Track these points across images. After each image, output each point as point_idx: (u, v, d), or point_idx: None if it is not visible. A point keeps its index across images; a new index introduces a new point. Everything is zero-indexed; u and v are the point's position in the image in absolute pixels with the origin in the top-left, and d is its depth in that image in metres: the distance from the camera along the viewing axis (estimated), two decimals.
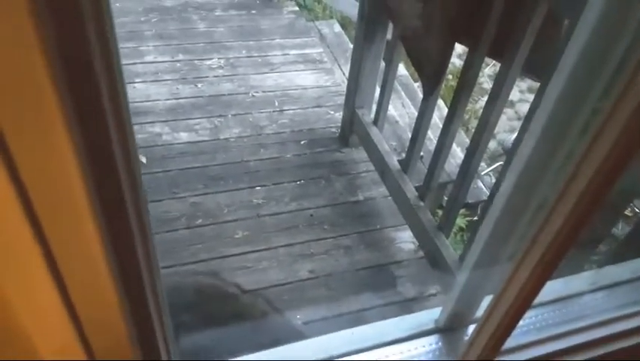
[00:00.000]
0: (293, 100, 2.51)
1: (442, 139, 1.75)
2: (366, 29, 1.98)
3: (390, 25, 1.94)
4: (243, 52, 2.77)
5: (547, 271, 0.58)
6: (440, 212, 2.22)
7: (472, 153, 1.63)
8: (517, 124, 3.40)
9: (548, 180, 0.63)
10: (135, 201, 0.37)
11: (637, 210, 2.42)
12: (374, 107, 2.18)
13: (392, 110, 2.48)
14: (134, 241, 0.39)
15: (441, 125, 1.80)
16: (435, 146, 1.81)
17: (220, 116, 2.37)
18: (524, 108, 3.47)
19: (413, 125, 1.94)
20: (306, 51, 2.83)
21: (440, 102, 2.68)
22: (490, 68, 3.54)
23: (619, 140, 0.44)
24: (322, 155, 2.27)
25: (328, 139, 2.34)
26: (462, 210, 2.32)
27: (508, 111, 3.34)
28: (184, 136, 2.26)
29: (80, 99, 0.29)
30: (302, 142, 2.30)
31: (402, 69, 2.76)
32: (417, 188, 1.94)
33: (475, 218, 2.45)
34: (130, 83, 2.45)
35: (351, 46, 2.50)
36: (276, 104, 2.48)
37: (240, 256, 1.83)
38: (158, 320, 0.49)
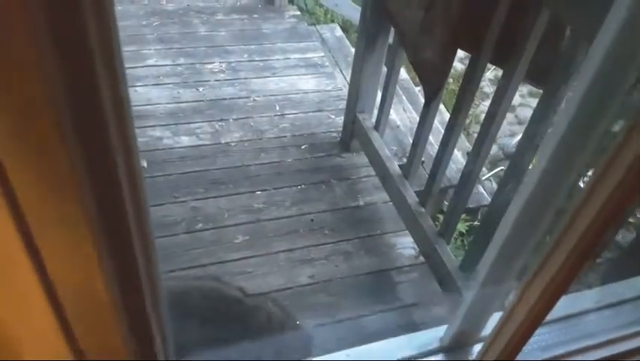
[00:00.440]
0: (294, 104, 2.51)
1: (444, 144, 1.75)
2: (367, 34, 1.98)
3: (392, 30, 1.94)
4: (245, 56, 2.77)
5: (562, 287, 0.57)
6: (441, 217, 2.21)
7: (474, 158, 1.63)
8: (518, 128, 3.40)
9: (563, 195, 0.62)
10: (134, 199, 0.36)
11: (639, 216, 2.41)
12: (375, 111, 2.18)
13: (393, 115, 2.48)
14: (132, 240, 0.38)
15: (442, 130, 1.80)
16: (436, 151, 1.81)
17: (221, 120, 2.37)
18: (525, 113, 3.47)
19: (414, 129, 1.94)
20: (308, 55, 2.83)
21: (441, 107, 2.67)
22: (491, 72, 3.54)
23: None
24: (323, 159, 2.26)
25: (329, 144, 2.34)
26: (462, 215, 2.32)
27: (509, 116, 3.34)
28: (185, 140, 2.26)
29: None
30: (303, 147, 2.30)
31: (403, 73, 2.76)
32: (418, 193, 1.93)
33: (476, 223, 2.44)
34: (131, 86, 2.45)
35: (353, 50, 2.50)
36: (277, 108, 2.47)
37: (240, 261, 1.83)
38: (156, 319, 0.48)
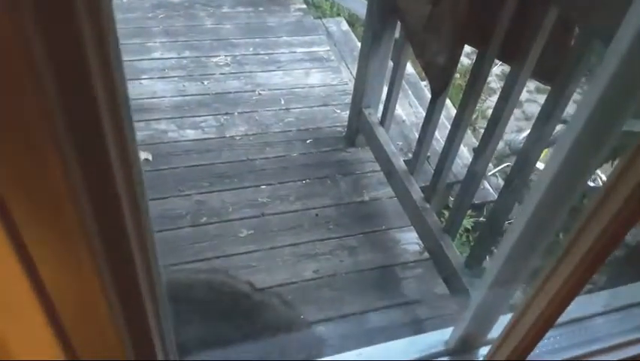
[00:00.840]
0: (299, 98, 2.50)
1: (450, 140, 1.74)
2: (374, 28, 1.97)
3: (399, 25, 1.92)
4: (250, 49, 2.76)
5: (575, 290, 0.56)
6: (446, 213, 2.21)
7: (481, 154, 1.62)
8: (525, 124, 3.38)
9: (578, 194, 0.60)
10: (130, 194, 0.35)
11: None
12: (381, 106, 2.17)
13: (399, 110, 2.46)
14: (129, 241, 0.37)
15: (448, 125, 1.79)
16: (442, 146, 1.80)
17: (226, 113, 2.37)
18: (532, 109, 3.44)
19: (420, 125, 1.93)
20: (313, 49, 2.82)
21: (448, 102, 2.65)
22: (498, 68, 3.51)
23: None
24: (328, 154, 2.26)
25: (334, 138, 2.33)
26: (468, 211, 2.31)
27: (516, 111, 3.31)
28: (190, 133, 2.26)
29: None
30: (308, 141, 2.29)
31: (409, 68, 2.74)
32: (423, 189, 1.93)
33: (482, 219, 2.43)
34: (136, 79, 2.45)
35: (359, 44, 2.48)
36: (282, 102, 2.47)
37: (245, 255, 1.83)
38: (155, 319, 0.48)
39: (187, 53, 2.67)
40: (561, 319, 0.75)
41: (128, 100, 0.31)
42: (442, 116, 2.02)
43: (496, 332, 0.65)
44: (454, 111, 2.06)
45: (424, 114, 1.91)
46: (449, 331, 0.77)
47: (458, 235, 2.17)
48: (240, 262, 1.81)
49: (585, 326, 0.76)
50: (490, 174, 2.69)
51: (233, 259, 1.82)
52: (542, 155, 1.56)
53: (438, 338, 0.77)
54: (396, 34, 2.01)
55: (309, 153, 2.24)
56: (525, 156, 1.49)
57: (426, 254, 1.90)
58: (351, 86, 2.43)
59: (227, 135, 2.27)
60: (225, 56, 2.69)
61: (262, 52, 2.76)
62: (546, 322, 0.59)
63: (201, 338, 1.12)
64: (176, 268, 1.71)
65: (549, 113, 1.33)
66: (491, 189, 2.43)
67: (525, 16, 1.30)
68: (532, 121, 1.44)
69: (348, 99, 2.35)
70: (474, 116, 3.04)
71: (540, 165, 1.70)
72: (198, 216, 1.94)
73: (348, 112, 2.34)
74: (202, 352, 1.07)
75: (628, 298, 0.81)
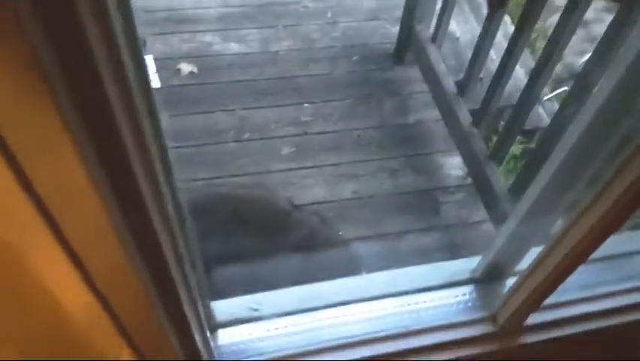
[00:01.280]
0: (347, 11, 2.38)
1: (506, 59, 1.63)
2: None
3: None
4: None
5: (618, 220, 0.52)
6: (494, 138, 2.12)
7: (537, 77, 1.52)
8: (589, 46, 3.11)
9: (629, 122, 0.55)
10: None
11: None
12: (434, 21, 2.03)
13: (453, 26, 2.31)
14: (168, 265, 0.37)
15: (505, 45, 1.67)
16: (497, 67, 1.69)
17: (271, 27, 2.29)
18: (599, 29, 3.14)
19: (475, 43, 1.81)
20: None
21: (506, 18, 2.46)
22: None
23: None
24: (374, 73, 2.18)
25: (382, 55, 2.24)
26: (518, 137, 2.21)
27: (580, 32, 3.03)
28: (234, 47, 2.22)
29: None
30: (354, 58, 2.21)
31: None
32: (472, 112, 1.85)
33: (532, 145, 2.33)
34: None
35: None
36: (329, 15, 2.36)
37: (286, 173, 1.85)
38: (197, 325, 0.50)
39: None
40: (596, 254, 0.73)
41: None
42: (500, 34, 1.88)
43: (525, 263, 0.63)
44: (512, 30, 1.91)
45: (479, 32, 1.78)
46: (477, 259, 0.76)
47: (505, 162, 2.10)
48: (280, 178, 1.84)
49: (620, 264, 0.73)
50: (545, 98, 2.53)
51: (275, 175, 1.85)
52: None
53: (464, 266, 0.76)
54: None
55: (354, 71, 2.17)
56: (583, 80, 1.38)
57: (469, 180, 1.86)
58: None
59: (272, 50, 2.21)
60: None
61: None
62: (577, 257, 0.57)
63: (239, 249, 1.17)
64: (220, 182, 1.76)
65: (614, 35, 1.21)
66: (545, 115, 2.30)
67: None
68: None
69: (399, 13, 2.22)
70: (534, 35, 2.82)
71: None
72: (241, 132, 1.96)
73: (398, 27, 2.21)
74: (238, 264, 1.12)
75: None
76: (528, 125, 2.23)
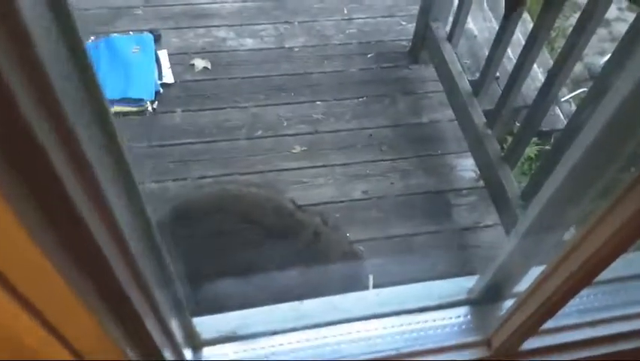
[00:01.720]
0: (363, 8, 2.35)
1: (523, 58, 1.59)
2: None
3: None
4: None
5: (630, 238, 0.49)
6: (509, 139, 2.09)
7: (555, 76, 1.48)
8: (610, 46, 3.02)
9: None
10: None
11: None
12: (451, 19, 2.00)
13: (471, 24, 2.27)
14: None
15: (523, 43, 1.63)
16: (513, 66, 1.65)
17: (286, 22, 2.28)
18: (621, 29, 3.05)
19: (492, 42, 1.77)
20: None
21: (525, 16, 2.41)
22: None
23: None
24: (389, 71, 2.15)
25: (397, 53, 2.21)
26: (534, 139, 2.17)
27: (601, 31, 2.96)
28: (249, 42, 2.21)
29: None
30: (369, 55, 2.19)
31: None
32: (486, 113, 1.81)
33: (547, 147, 2.29)
34: None
35: None
36: (345, 11, 2.33)
37: (297, 171, 1.85)
38: (169, 345, 0.47)
39: None
40: (601, 276, 0.70)
41: None
42: (518, 33, 1.84)
43: (524, 284, 0.61)
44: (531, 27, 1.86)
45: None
46: (474, 278, 0.74)
47: (520, 164, 2.07)
48: (291, 177, 1.83)
49: (624, 287, 0.70)
50: (563, 99, 2.48)
51: (285, 173, 1.84)
52: None
53: (462, 285, 0.73)
54: None
55: (368, 69, 2.15)
56: (603, 81, 1.34)
57: (481, 182, 1.83)
58: None
59: (286, 46, 2.20)
60: None
61: None
62: (585, 276, 0.54)
63: (235, 258, 1.16)
64: (228, 179, 1.76)
65: (636, 34, 1.17)
66: (562, 116, 2.25)
67: None
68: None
69: (416, 10, 2.19)
70: (553, 34, 2.76)
71: None
72: (253, 130, 1.96)
73: (414, 24, 2.18)
74: (229, 276, 1.11)
75: None
76: (544, 127, 2.19)
